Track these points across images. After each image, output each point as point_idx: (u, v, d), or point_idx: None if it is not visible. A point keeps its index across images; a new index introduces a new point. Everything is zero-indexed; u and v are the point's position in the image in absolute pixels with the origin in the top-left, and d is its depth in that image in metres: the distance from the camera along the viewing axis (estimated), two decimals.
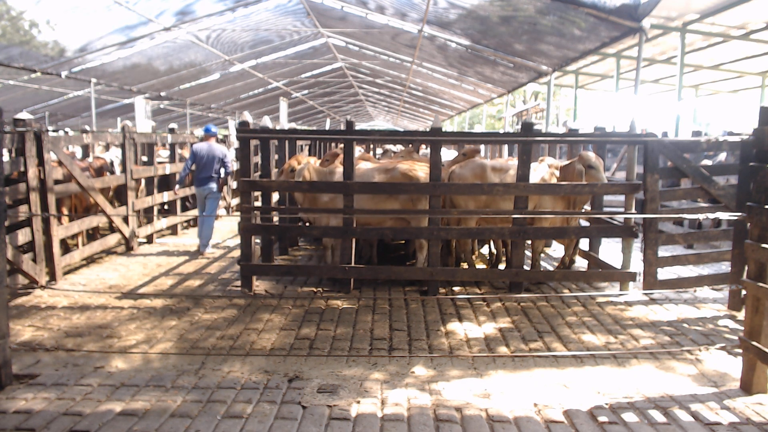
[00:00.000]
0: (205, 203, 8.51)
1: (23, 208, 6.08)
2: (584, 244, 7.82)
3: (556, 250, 8.91)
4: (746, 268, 4.08)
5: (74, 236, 8.26)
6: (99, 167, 8.98)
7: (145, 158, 10.39)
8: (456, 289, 6.61)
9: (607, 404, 3.73)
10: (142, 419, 3.47)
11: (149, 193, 9.40)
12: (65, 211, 7.77)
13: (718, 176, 6.79)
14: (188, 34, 11.59)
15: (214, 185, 8.36)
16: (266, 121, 8.73)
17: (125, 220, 8.46)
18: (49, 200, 6.44)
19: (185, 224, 10.96)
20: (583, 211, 6.90)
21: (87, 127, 15.01)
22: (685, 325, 5.44)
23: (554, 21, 8.55)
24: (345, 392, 3.87)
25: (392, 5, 10.41)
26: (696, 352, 4.69)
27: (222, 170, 8.48)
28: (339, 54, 16.53)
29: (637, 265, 6.56)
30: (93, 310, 5.68)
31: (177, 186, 8.79)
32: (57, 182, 6.90)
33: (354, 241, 6.52)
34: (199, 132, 11.87)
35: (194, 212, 10.88)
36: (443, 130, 6.52)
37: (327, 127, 20.98)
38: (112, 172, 9.33)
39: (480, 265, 7.78)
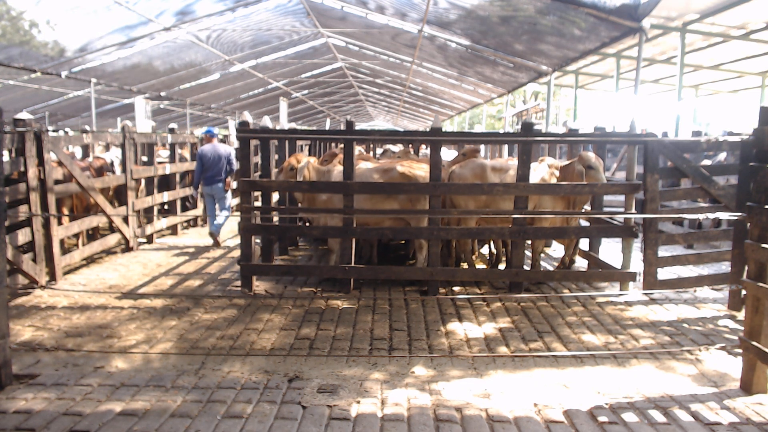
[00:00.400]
0: (214, 200, 9.00)
1: (23, 208, 6.08)
2: (584, 244, 7.82)
3: (556, 250, 8.91)
4: (746, 268, 4.08)
5: (74, 236, 8.26)
6: (99, 167, 8.98)
7: (145, 158, 10.39)
8: (456, 289, 6.61)
9: (607, 404, 3.73)
10: (142, 419, 3.47)
11: (149, 193, 9.40)
12: (65, 211, 7.78)
13: (718, 176, 6.79)
14: (188, 34, 11.59)
15: (221, 184, 8.88)
16: (266, 121, 8.74)
17: (125, 220, 8.46)
18: (49, 200, 6.44)
19: (185, 224, 10.97)
20: (583, 211, 6.90)
21: (87, 127, 15.02)
22: (685, 325, 5.44)
23: (554, 21, 8.55)
24: (345, 392, 3.87)
25: (392, 5, 10.41)
26: (696, 352, 4.69)
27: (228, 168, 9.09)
28: (339, 54, 16.53)
29: (637, 265, 6.56)
30: (93, 310, 5.68)
31: (194, 191, 9.43)
32: (57, 182, 6.90)
33: (354, 241, 6.52)
34: (199, 132, 11.93)
35: (194, 212, 10.97)
36: (443, 130, 6.52)
37: (327, 127, 20.98)
38: (113, 172, 9.34)
39: (480, 265, 7.78)
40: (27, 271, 5.96)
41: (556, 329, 5.24)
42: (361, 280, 6.70)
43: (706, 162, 9.83)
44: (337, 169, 6.86)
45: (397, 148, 12.21)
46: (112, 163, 9.55)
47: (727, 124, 25.26)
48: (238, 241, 8.87)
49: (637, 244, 7.62)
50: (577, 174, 6.52)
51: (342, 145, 6.81)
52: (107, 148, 11.56)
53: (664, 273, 6.93)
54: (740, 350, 4.04)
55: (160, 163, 9.98)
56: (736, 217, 4.78)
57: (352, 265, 6.30)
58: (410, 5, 10.02)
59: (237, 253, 8.39)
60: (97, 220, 7.87)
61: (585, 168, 6.42)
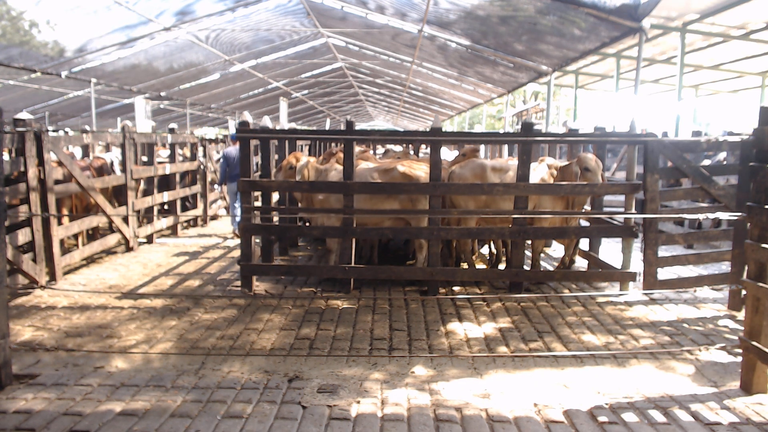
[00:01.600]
0: (236, 197, 9.54)
1: (23, 208, 6.08)
2: (584, 244, 7.82)
3: (556, 250, 8.91)
4: (746, 268, 4.08)
5: (74, 236, 8.26)
6: (99, 167, 8.98)
7: (145, 158, 10.39)
8: (456, 289, 6.61)
9: (607, 404, 3.73)
10: (142, 419, 3.47)
11: (149, 193, 9.41)
12: (65, 211, 7.77)
13: (718, 176, 6.79)
14: (188, 34, 11.59)
15: None
16: (266, 121, 8.74)
17: (125, 220, 8.46)
18: (49, 200, 6.44)
19: (185, 224, 10.97)
20: (583, 211, 6.90)
21: (87, 127, 15.01)
22: (685, 325, 5.44)
23: (554, 21, 8.54)
24: (345, 392, 3.88)
25: (392, 5, 10.41)
26: (696, 352, 4.69)
27: None
28: (339, 54, 16.53)
29: (637, 265, 6.56)
30: (93, 310, 5.68)
31: (218, 187, 10.71)
32: (57, 182, 6.89)
33: (354, 241, 6.52)
34: (199, 132, 12.07)
35: (194, 212, 10.98)
36: (443, 130, 6.52)
37: (327, 127, 20.97)
38: (113, 172, 9.33)
39: (480, 265, 7.78)
40: (27, 271, 5.96)
41: (556, 329, 5.24)
42: (361, 280, 6.70)
43: (706, 162, 9.83)
44: (335, 169, 6.86)
45: (399, 148, 12.22)
46: (112, 163, 9.54)
47: (727, 124, 25.27)
48: (238, 241, 8.89)
49: (637, 244, 7.61)
50: (573, 176, 6.51)
51: (342, 145, 6.80)
52: (107, 148, 11.56)
53: (664, 273, 6.93)
54: (740, 350, 4.05)
55: (160, 163, 9.99)
56: (736, 217, 4.78)
57: (352, 265, 6.30)
58: (410, 5, 10.02)
59: (237, 253, 8.39)
60: (97, 220, 7.86)
61: (582, 170, 6.42)
